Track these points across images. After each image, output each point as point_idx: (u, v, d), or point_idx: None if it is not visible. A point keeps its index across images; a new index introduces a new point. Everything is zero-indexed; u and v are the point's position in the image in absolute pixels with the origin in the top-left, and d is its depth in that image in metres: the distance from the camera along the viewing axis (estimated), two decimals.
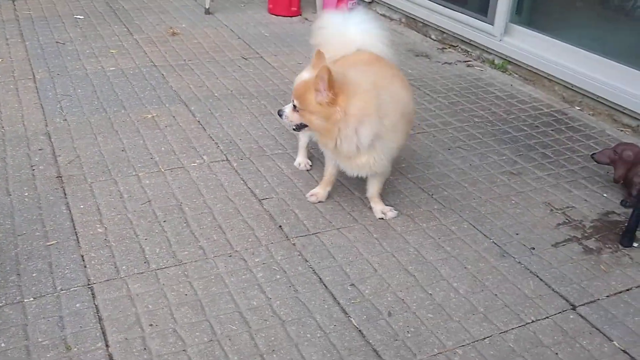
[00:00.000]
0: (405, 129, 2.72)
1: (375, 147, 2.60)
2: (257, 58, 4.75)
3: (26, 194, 2.94)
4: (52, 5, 5.73)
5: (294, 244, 2.69)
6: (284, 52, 4.90)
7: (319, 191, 3.00)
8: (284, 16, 5.74)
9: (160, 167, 3.20)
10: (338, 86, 2.44)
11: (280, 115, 2.69)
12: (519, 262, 2.69)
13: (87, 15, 5.49)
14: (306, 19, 5.76)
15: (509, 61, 4.74)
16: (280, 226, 2.81)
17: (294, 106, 2.60)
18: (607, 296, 2.53)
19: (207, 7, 5.67)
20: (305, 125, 2.63)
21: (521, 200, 3.14)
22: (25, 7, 5.65)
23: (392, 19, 5.91)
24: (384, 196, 3.03)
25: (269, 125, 3.70)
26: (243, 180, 3.14)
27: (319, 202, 2.99)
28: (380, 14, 6.03)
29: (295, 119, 2.62)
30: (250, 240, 2.70)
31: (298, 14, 5.83)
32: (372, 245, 2.72)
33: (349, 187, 3.14)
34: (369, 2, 6.13)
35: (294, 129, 2.73)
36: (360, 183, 3.16)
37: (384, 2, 5.97)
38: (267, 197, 3.01)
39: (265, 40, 5.15)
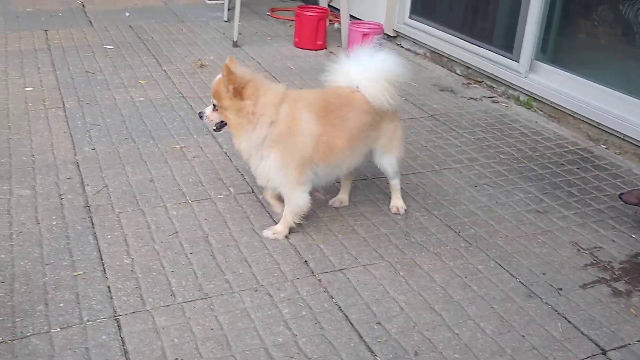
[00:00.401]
0: (307, 155, 2.79)
1: (270, 155, 2.77)
2: None
3: (54, 222, 2.98)
4: (82, 35, 5.86)
5: (319, 280, 2.68)
6: (310, 85, 4.94)
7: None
8: (310, 50, 5.81)
9: (187, 198, 3.23)
10: (243, 82, 2.71)
11: (201, 117, 2.92)
12: (547, 303, 2.65)
13: (117, 45, 5.60)
14: (331, 52, 5.82)
15: (534, 98, 4.74)
16: (305, 261, 2.80)
17: (214, 105, 2.83)
18: (638, 341, 2.48)
19: (235, 39, 5.76)
20: (225, 124, 2.85)
21: (548, 239, 3.11)
22: (57, 36, 5.79)
23: (416, 54, 5.95)
24: (409, 233, 3.03)
25: None
26: (268, 213, 3.15)
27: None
28: (405, 48, 6.08)
29: (215, 117, 2.87)
30: (275, 274, 2.70)
31: (323, 47, 5.89)
32: (399, 283, 2.70)
33: (375, 223, 3.13)
34: (394, 37, 6.18)
35: (214, 129, 2.94)
36: (387, 219, 3.16)
37: (409, 37, 6.02)
38: (292, 230, 3.01)
39: (291, 73, 5.20)
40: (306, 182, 2.87)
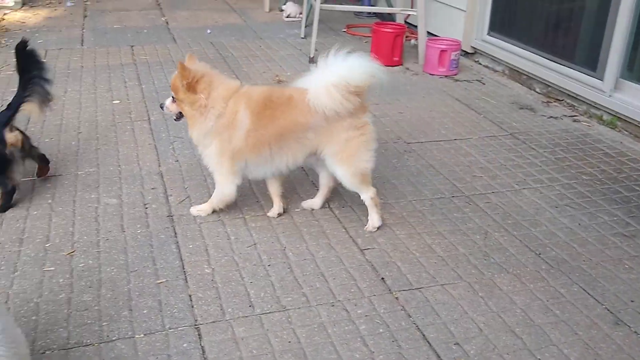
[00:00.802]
0: (238, 147, 2.98)
1: (212, 144, 3.01)
2: None
3: (139, 231, 3.08)
4: (166, 51, 6.08)
5: (396, 298, 2.66)
6: (386, 100, 4.94)
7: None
8: (386, 66, 5.79)
9: (265, 210, 3.28)
10: (197, 77, 2.93)
11: (162, 107, 3.17)
12: (635, 332, 2.53)
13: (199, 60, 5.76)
14: (407, 68, 5.80)
15: (619, 117, 4.57)
16: (382, 278, 2.79)
17: (173, 98, 3.07)
18: None
19: (311, 56, 5.84)
20: (183, 115, 3.09)
21: (636, 265, 2.98)
22: (142, 52, 6.02)
23: (495, 71, 5.85)
24: (488, 253, 2.97)
25: (371, 173, 3.72)
26: (345, 229, 3.16)
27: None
28: (483, 65, 5.99)
29: (174, 109, 3.11)
30: (352, 290, 2.70)
31: (399, 63, 5.89)
32: (477, 304, 2.65)
33: (453, 242, 3.09)
34: (471, 54, 6.11)
35: (174, 119, 3.20)
36: (465, 238, 3.11)
37: (487, 54, 5.93)
38: (368, 247, 3.01)
39: None
40: (236, 172, 3.06)
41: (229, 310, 2.54)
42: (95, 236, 3.03)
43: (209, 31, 6.90)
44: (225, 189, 3.09)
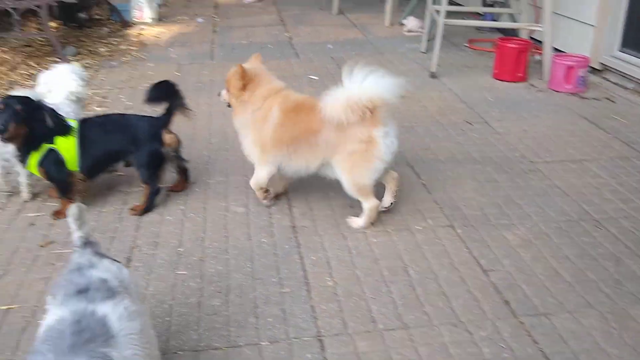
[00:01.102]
0: (266, 140, 3.32)
1: (248, 134, 3.41)
2: (481, 123, 4.73)
3: (264, 240, 3.19)
4: (290, 66, 6.27)
5: (522, 323, 2.58)
6: (509, 118, 4.82)
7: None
8: (509, 82, 5.67)
9: (386, 226, 3.29)
10: (249, 80, 3.33)
11: (219, 95, 3.54)
12: None
13: (321, 76, 5.91)
14: (532, 85, 5.63)
15: None
16: (507, 301, 2.71)
17: (227, 90, 3.45)
18: None
19: (432, 70, 5.80)
20: None
21: None
22: (267, 66, 6.21)
23: (625, 88, 5.54)
24: (621, 281, 2.82)
25: (495, 193, 3.64)
26: (468, 249, 3.11)
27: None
28: (612, 82, 5.69)
29: (227, 98, 3.48)
30: (475, 312, 2.65)
31: (524, 79, 5.72)
32: (610, 335, 2.51)
33: (581, 267, 2.95)
34: (600, 70, 5.82)
35: (228, 106, 3.52)
36: (594, 264, 2.96)
37: (617, 71, 5.63)
38: (492, 268, 2.94)
39: (489, 105, 5.12)
40: (267, 162, 3.38)
41: (351, 324, 2.57)
42: (224, 243, 3.17)
43: (330, 46, 7.04)
44: (258, 173, 3.43)
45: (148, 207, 3.47)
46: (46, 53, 6.54)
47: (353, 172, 3.20)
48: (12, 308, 2.71)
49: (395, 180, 3.42)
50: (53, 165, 3.33)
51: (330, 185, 3.72)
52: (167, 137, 3.48)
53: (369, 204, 3.26)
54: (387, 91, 3.15)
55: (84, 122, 3.45)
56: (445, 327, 2.55)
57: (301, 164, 3.32)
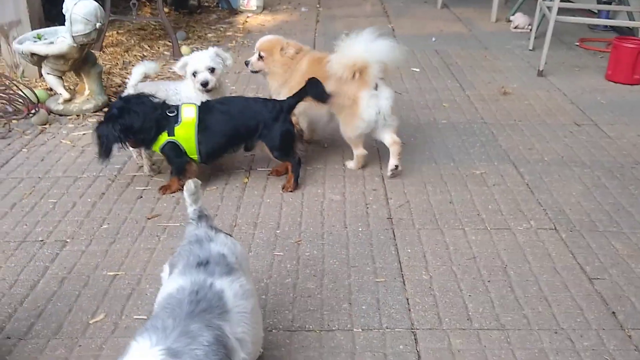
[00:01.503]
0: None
1: (282, 92, 3.82)
2: (591, 125, 4.51)
3: (360, 229, 3.19)
4: None
5: (629, 336, 2.44)
6: (622, 121, 4.57)
7: None
8: (624, 84, 5.37)
9: (486, 225, 3.21)
10: (296, 50, 3.86)
11: (247, 64, 3.94)
12: None
13: (423, 68, 5.83)
14: None
15: None
16: (613, 312, 2.58)
17: (260, 56, 3.88)
18: None
19: (540, 69, 5.59)
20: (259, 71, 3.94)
21: None
22: None
23: None
24: None
25: (603, 199, 3.46)
26: (572, 254, 2.97)
27: None
28: None
29: (259, 66, 3.90)
30: (578, 320, 2.53)
31: None
32: None
33: None
34: None
35: (252, 72, 3.96)
36: None
37: None
38: (598, 277, 2.80)
39: (601, 107, 4.87)
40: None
41: (446, 320, 2.53)
42: (320, 228, 3.19)
43: (433, 39, 6.93)
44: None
45: (297, 180, 3.58)
46: (158, 37, 6.81)
47: (343, 124, 3.69)
48: (118, 274, 2.85)
49: (397, 145, 3.65)
50: (172, 152, 3.45)
51: (428, 179, 3.68)
52: (293, 119, 3.58)
53: (356, 152, 3.77)
54: (376, 54, 3.51)
55: (205, 107, 3.48)
56: (545, 333, 2.45)
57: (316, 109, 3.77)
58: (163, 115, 3.40)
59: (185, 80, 3.82)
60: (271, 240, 3.10)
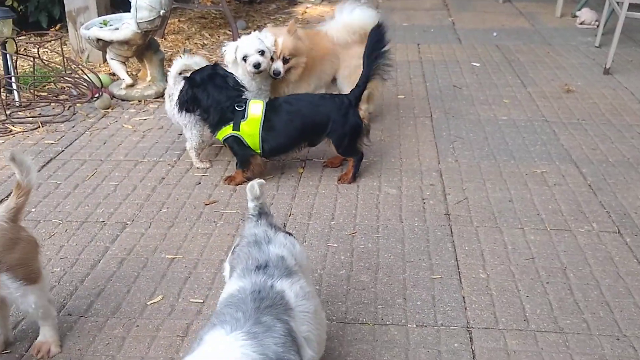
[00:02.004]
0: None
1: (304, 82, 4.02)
2: None
3: (416, 224, 3.16)
4: (451, 51, 6.12)
5: None
6: None
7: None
8: None
9: (546, 225, 3.13)
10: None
11: (278, 75, 3.81)
12: None
13: (483, 63, 5.72)
14: None
15: None
16: None
17: (285, 59, 3.82)
18: None
19: (607, 66, 5.40)
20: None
21: None
22: (428, 50, 6.15)
23: None
24: None
25: None
26: (637, 260, 2.87)
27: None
28: None
29: (284, 68, 3.83)
30: None
31: None
32: None
33: None
34: None
35: (274, 76, 3.85)
36: None
37: None
38: None
39: None
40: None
41: (503, 320, 2.48)
42: (375, 222, 3.17)
43: (495, 34, 6.79)
44: None
45: (355, 175, 3.56)
46: (219, 25, 6.89)
47: (350, 82, 3.77)
48: (176, 258, 2.90)
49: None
50: (235, 144, 3.46)
51: (488, 176, 3.61)
52: (361, 113, 3.58)
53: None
54: (371, 18, 3.91)
55: (272, 105, 3.47)
56: (606, 339, 2.38)
57: (324, 76, 4.07)
58: (231, 109, 3.41)
59: (229, 67, 3.78)
60: (325, 231, 3.10)
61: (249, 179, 3.06)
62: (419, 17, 7.67)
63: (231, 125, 3.41)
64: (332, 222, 3.18)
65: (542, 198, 3.38)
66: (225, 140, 3.48)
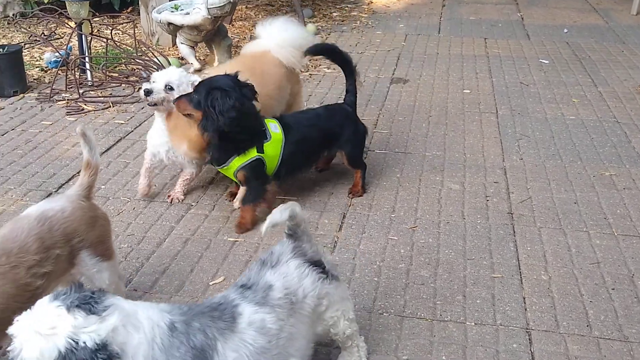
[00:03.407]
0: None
1: None
2: None
3: (478, 221, 3.12)
4: (519, 47, 6.00)
5: None
6: None
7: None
8: None
9: (613, 230, 3.05)
10: None
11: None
12: None
13: (552, 60, 5.58)
14: None
15: None
16: None
17: None
18: None
19: None
20: None
21: None
22: (495, 45, 6.03)
23: None
24: None
25: None
26: None
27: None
28: None
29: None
30: None
31: None
32: None
33: None
34: None
35: None
36: None
37: None
38: None
39: None
40: None
41: (564, 324, 2.43)
42: (437, 217, 3.16)
43: (565, 30, 6.60)
44: None
45: (364, 186, 3.38)
46: (285, 13, 6.93)
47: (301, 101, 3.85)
48: (238, 241, 2.96)
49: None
50: (257, 170, 2.99)
51: (553, 177, 3.54)
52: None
53: None
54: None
55: (285, 121, 3.12)
56: None
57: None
58: (260, 128, 3.00)
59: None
60: (386, 223, 3.11)
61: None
62: (487, 11, 7.52)
63: (255, 148, 2.96)
64: (393, 215, 3.18)
65: (610, 202, 3.28)
66: (243, 168, 2.96)
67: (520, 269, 2.76)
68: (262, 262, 1.91)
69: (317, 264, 1.94)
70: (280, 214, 1.86)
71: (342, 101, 3.44)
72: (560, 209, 3.23)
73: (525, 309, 2.51)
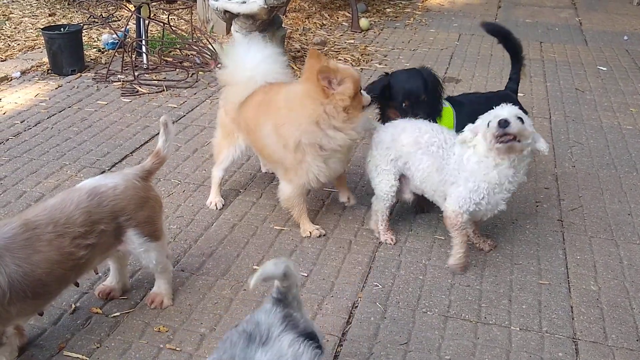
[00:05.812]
0: None
1: None
2: None
3: (527, 226, 3.08)
4: (576, 52, 5.87)
5: None
6: None
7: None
8: None
9: None
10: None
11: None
12: None
13: (610, 68, 5.45)
14: None
15: None
16: None
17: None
18: None
19: None
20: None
21: None
22: (551, 50, 5.92)
23: None
24: None
25: None
26: None
27: None
28: None
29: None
30: None
31: None
32: None
33: None
34: None
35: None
36: None
37: None
38: None
39: None
40: None
41: (613, 336, 2.38)
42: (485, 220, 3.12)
43: (625, 38, 6.44)
44: None
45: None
46: (339, 7, 6.93)
47: None
48: (284, 230, 2.98)
49: None
50: None
51: (606, 186, 3.47)
52: None
53: None
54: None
55: (457, 101, 3.19)
56: None
57: None
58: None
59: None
60: (433, 222, 3.08)
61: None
62: (544, 14, 7.39)
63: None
64: (440, 214, 3.15)
65: None
66: None
67: (568, 277, 2.71)
68: (248, 336, 1.58)
69: (310, 337, 1.64)
70: (274, 267, 1.65)
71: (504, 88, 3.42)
72: (613, 219, 3.15)
73: (573, 318, 2.47)
